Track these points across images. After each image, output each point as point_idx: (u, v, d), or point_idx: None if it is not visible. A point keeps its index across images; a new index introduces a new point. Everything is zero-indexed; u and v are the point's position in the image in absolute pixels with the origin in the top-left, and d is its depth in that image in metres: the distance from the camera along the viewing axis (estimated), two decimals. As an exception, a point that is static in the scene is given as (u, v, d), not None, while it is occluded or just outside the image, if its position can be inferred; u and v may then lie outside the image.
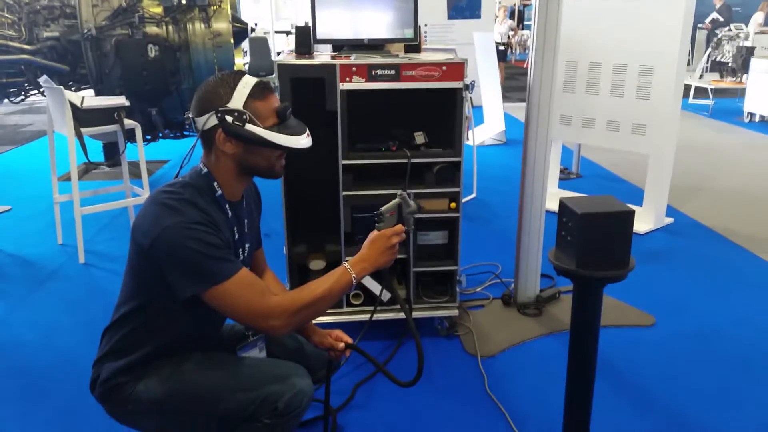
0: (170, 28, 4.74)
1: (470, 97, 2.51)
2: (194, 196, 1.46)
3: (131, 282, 1.52)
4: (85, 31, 4.56)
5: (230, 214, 1.55)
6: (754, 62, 7.91)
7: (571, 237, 1.53)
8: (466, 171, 2.60)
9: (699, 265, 3.52)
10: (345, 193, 2.46)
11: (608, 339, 2.61)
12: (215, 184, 1.51)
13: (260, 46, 8.77)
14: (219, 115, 1.43)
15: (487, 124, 6.72)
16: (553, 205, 1.54)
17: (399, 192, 1.69)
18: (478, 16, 8.44)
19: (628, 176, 5.33)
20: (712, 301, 3.07)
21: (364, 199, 2.48)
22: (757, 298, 3.11)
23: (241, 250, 1.61)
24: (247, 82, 1.46)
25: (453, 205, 2.53)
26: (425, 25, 8.13)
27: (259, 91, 1.47)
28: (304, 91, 2.35)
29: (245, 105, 1.44)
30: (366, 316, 2.56)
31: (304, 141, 1.52)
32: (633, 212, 1.49)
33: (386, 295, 2.58)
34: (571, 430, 1.74)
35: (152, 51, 4.64)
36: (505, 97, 7.34)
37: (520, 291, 2.96)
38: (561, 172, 5.04)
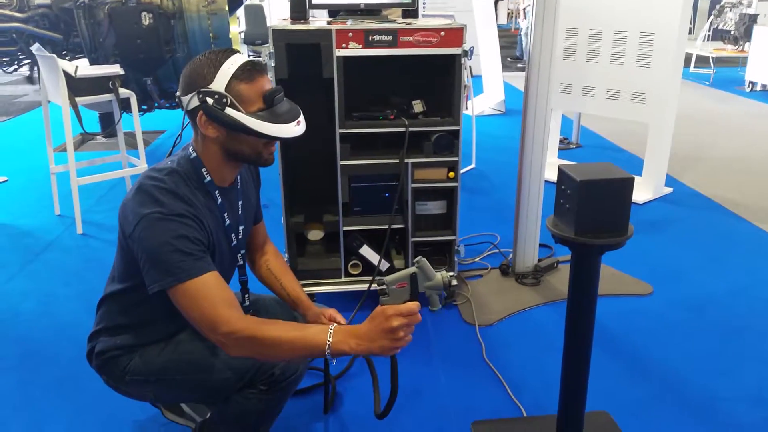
0: (164, -6, 4.65)
1: (469, 66, 2.47)
2: (179, 185, 1.38)
3: (120, 262, 1.49)
4: (78, -2, 4.47)
5: (220, 200, 1.49)
6: (757, 30, 7.81)
7: (570, 204, 1.52)
8: (464, 141, 2.58)
9: (697, 234, 3.52)
10: (342, 162, 2.44)
11: (606, 307, 2.62)
12: (203, 170, 1.44)
13: (255, 13, 8.66)
14: (200, 96, 1.35)
15: (487, 93, 6.65)
16: (552, 175, 1.50)
17: (418, 258, 1.36)
18: (478, -16, 8.28)
19: (628, 146, 5.30)
20: (709, 271, 3.07)
21: (362, 168, 2.47)
22: (754, 267, 3.11)
23: (234, 234, 1.55)
24: (234, 62, 1.36)
25: (451, 174, 2.52)
26: (424, -7, 8.00)
27: (246, 73, 1.36)
28: (301, 58, 2.32)
29: (228, 87, 1.35)
30: (364, 286, 2.56)
31: (292, 129, 1.42)
32: (632, 179, 1.47)
33: (385, 265, 2.59)
34: (567, 396, 1.75)
35: (146, 19, 4.56)
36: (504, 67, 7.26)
37: (518, 261, 2.96)
38: (561, 141, 5.01)
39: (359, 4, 2.50)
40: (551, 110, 2.91)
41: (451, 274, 1.40)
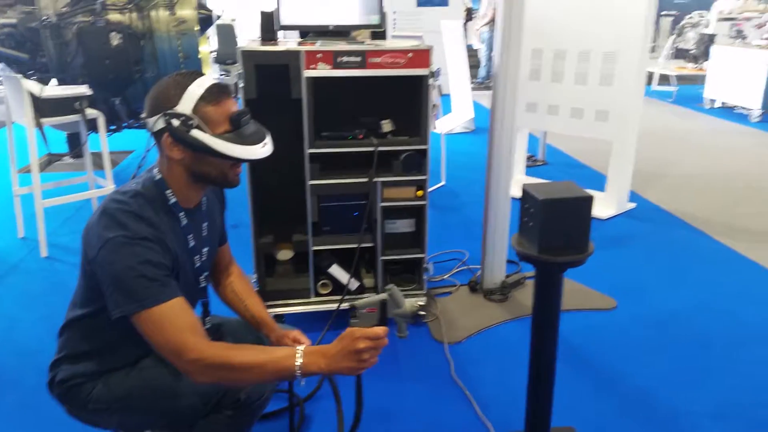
0: (133, 15, 4.63)
1: (439, 85, 2.51)
2: (143, 208, 1.37)
3: (83, 287, 1.47)
4: (44, 18, 4.44)
5: (185, 222, 1.48)
6: (715, 49, 8.08)
7: (533, 223, 1.56)
8: (434, 159, 2.62)
9: (660, 249, 3.61)
10: (311, 182, 2.46)
11: (571, 322, 2.67)
12: (168, 192, 1.44)
13: (227, 33, 8.67)
14: (166, 118, 1.35)
15: (456, 112, 6.74)
16: (519, 193, 1.55)
17: (389, 286, 1.41)
18: (446, 4, 8.45)
19: (593, 162, 5.42)
20: (672, 285, 3.15)
21: (331, 188, 2.48)
22: (716, 281, 3.20)
23: (198, 256, 1.54)
24: (201, 84, 1.37)
25: (420, 193, 2.55)
26: (394, 13, 8.11)
27: (213, 95, 1.37)
28: (270, 78, 2.33)
29: (195, 109, 1.35)
30: (334, 306, 2.57)
31: (258, 151, 1.42)
32: (592, 198, 1.52)
33: (354, 284, 2.60)
34: (533, 413, 1.78)
35: (115, 39, 4.53)
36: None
37: (486, 277, 2.99)
38: (528, 159, 5.10)
39: (328, 26, 2.54)
40: (517, 129, 2.97)
41: (420, 303, 1.44)
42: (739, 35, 8.58)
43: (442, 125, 4.82)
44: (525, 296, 2.94)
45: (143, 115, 1.42)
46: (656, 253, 3.55)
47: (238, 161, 1.44)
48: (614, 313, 2.86)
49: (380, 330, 1.29)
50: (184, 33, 4.73)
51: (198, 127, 1.36)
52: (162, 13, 4.68)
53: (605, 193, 4.14)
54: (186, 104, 1.36)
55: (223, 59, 8.32)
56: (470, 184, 4.75)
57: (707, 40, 9.09)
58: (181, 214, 1.47)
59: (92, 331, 1.49)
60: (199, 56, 4.81)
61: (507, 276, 3.02)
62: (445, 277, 3.17)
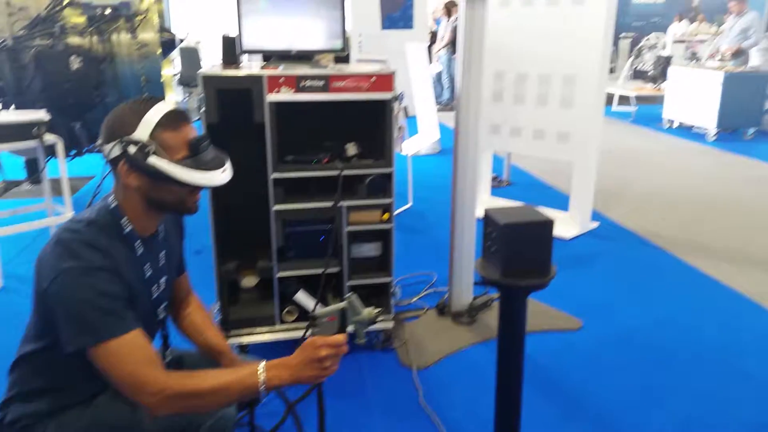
0: (94, 38, 4.57)
1: (404, 107, 2.52)
2: (98, 236, 1.34)
3: (36, 319, 1.41)
4: (1, 41, 4.34)
5: (141, 251, 1.44)
6: (672, 70, 8.33)
7: (496, 247, 1.56)
8: (401, 181, 2.62)
9: (623, 268, 3.67)
10: (276, 207, 2.43)
11: (537, 344, 2.68)
12: (124, 220, 1.40)
13: (190, 56, 8.64)
14: (123, 144, 1.33)
15: (422, 133, 6.80)
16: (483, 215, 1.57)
17: (348, 295, 1.46)
18: (411, 27, 8.56)
19: (557, 182, 5.50)
20: (635, 303, 3.19)
21: (296, 212, 2.46)
22: (678, 298, 3.26)
23: (155, 286, 1.50)
24: (159, 110, 1.35)
25: (386, 216, 2.54)
26: (360, 35, 8.18)
27: (170, 121, 1.36)
28: (232, 102, 2.31)
29: (152, 135, 1.33)
30: (300, 333, 2.53)
31: (217, 177, 1.41)
32: (552, 221, 1.53)
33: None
34: (501, 437, 1.77)
35: (75, 62, 4.46)
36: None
37: (454, 300, 2.99)
38: (493, 180, 5.15)
39: (291, 51, 2.53)
40: (481, 150, 3.00)
41: (378, 309, 1.51)
42: (694, 57, 8.88)
43: (408, 147, 4.84)
44: (492, 318, 2.94)
45: (98, 142, 1.40)
46: (620, 271, 3.61)
47: (196, 188, 1.42)
48: (580, 333, 2.88)
49: (341, 337, 1.36)
50: (146, 56, 4.68)
51: (156, 154, 1.34)
52: (123, 37, 4.63)
53: (569, 212, 4.19)
54: (143, 130, 1.33)
55: (186, 81, 8.27)
56: (437, 204, 4.76)
57: (664, 62, 9.38)
58: (137, 243, 1.44)
59: (45, 366, 1.43)
60: (162, 80, 4.76)
61: (474, 298, 3.02)
62: (413, 300, 3.16)
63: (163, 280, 1.54)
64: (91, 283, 1.27)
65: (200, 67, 6.76)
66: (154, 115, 1.35)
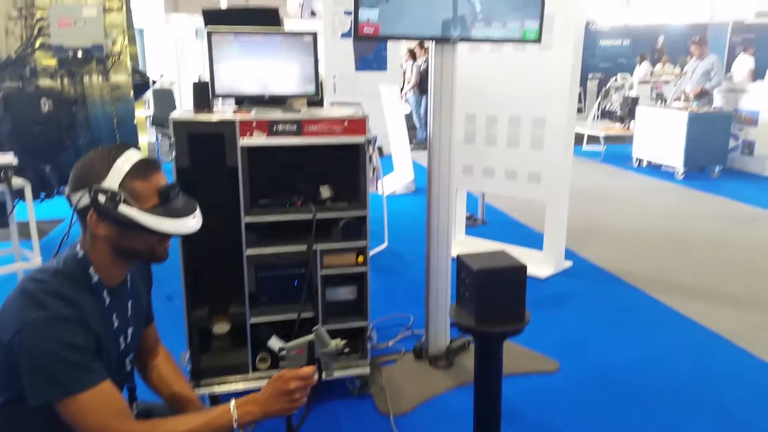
0: (65, 80, 4.55)
1: (379, 147, 2.54)
2: (64, 286, 1.31)
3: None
4: (-31, 83, 4.30)
5: (108, 301, 1.41)
6: (639, 110, 8.56)
7: (469, 293, 1.56)
8: (376, 221, 2.61)
9: (598, 307, 3.68)
10: (248, 252, 2.40)
11: (514, 387, 2.66)
12: (91, 269, 1.38)
13: (164, 98, 8.64)
14: (92, 193, 1.31)
15: (397, 173, 6.85)
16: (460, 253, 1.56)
17: (315, 327, 1.47)
18: (385, 68, 8.69)
19: (531, 221, 5.56)
20: (611, 342, 3.20)
21: (269, 257, 2.43)
22: (653, 337, 3.27)
23: (122, 337, 1.47)
24: (129, 158, 1.35)
25: (361, 259, 2.52)
26: (334, 77, 8.28)
27: (140, 170, 1.35)
28: (204, 146, 2.30)
29: (122, 184, 1.32)
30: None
31: (188, 224, 1.40)
32: (525, 267, 1.53)
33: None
34: (480, 487, 1.73)
35: (46, 104, 4.42)
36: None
37: (431, 343, 2.96)
38: (467, 219, 5.18)
39: (264, 95, 2.54)
40: (455, 191, 3.02)
41: (345, 341, 1.53)
42: (660, 98, 9.14)
43: (383, 187, 4.86)
44: (470, 361, 2.91)
45: (66, 190, 1.38)
46: (594, 311, 3.62)
47: (167, 236, 1.40)
48: (557, 375, 2.86)
49: (309, 369, 1.41)
50: (119, 98, 4.67)
51: (125, 202, 1.32)
52: (96, 79, 4.62)
53: (543, 252, 4.22)
54: (113, 179, 1.33)
55: (160, 122, 8.25)
56: (413, 243, 4.76)
57: (631, 102, 9.64)
58: (105, 292, 1.41)
59: (8, 420, 1.37)
60: (135, 121, 4.74)
61: (451, 341, 3.00)
62: (390, 343, 3.12)
63: (130, 330, 1.51)
64: (57, 334, 1.24)
65: (174, 108, 6.74)
66: (124, 163, 1.34)
